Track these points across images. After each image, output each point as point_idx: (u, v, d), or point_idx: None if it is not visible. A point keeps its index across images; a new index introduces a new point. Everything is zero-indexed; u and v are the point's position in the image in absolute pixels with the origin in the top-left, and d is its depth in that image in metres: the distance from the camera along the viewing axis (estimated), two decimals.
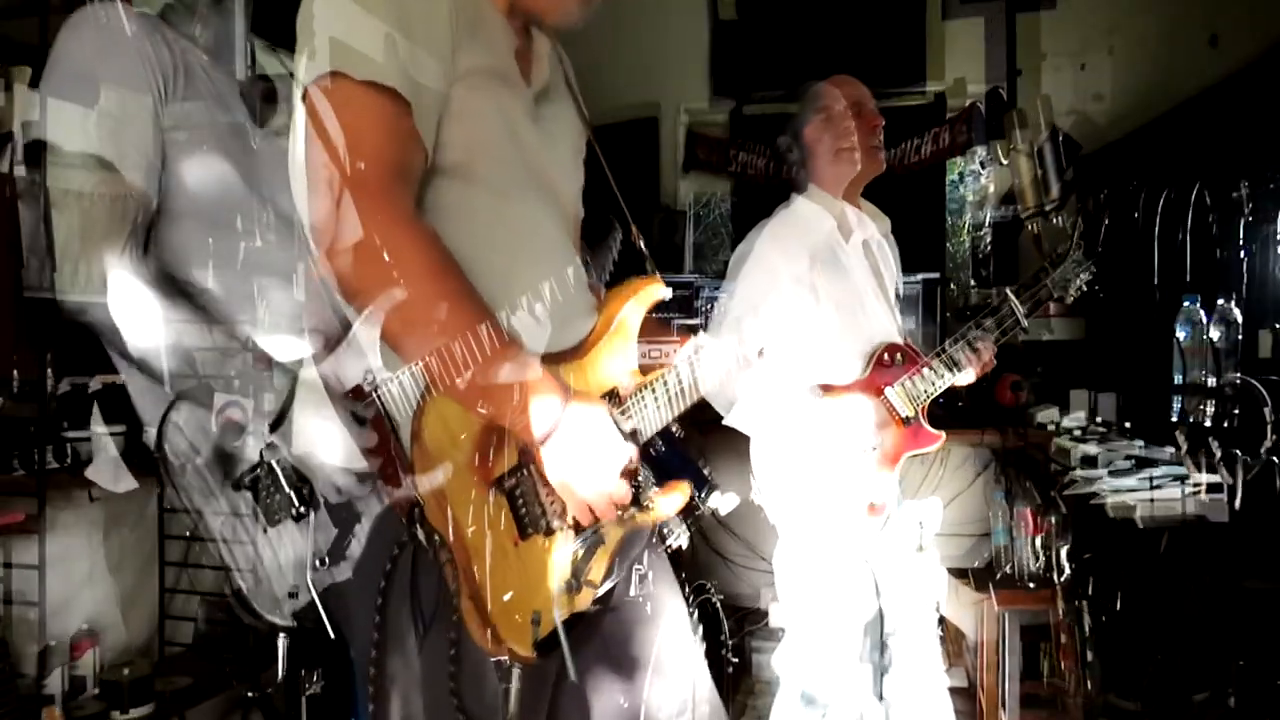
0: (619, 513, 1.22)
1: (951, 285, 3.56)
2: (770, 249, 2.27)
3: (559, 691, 1.29)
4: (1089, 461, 2.42)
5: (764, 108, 4.14)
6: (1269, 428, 1.85)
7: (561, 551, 1.23)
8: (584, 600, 1.25)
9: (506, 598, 1.16)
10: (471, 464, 1.15)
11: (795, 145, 2.36)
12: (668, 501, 1.28)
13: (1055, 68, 3.79)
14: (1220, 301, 2.12)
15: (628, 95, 4.19)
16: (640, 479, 1.23)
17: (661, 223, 4.11)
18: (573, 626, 1.22)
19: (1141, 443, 2.54)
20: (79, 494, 2.56)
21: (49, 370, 2.50)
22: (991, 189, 3.94)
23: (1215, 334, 2.09)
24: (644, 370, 1.33)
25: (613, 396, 1.28)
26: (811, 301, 2.23)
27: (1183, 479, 2.09)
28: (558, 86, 1.37)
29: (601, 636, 1.33)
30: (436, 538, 1.12)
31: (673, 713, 1.36)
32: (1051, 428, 3.06)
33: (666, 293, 1.34)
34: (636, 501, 1.23)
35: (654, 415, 1.30)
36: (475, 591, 1.14)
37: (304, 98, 1.11)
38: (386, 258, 1.07)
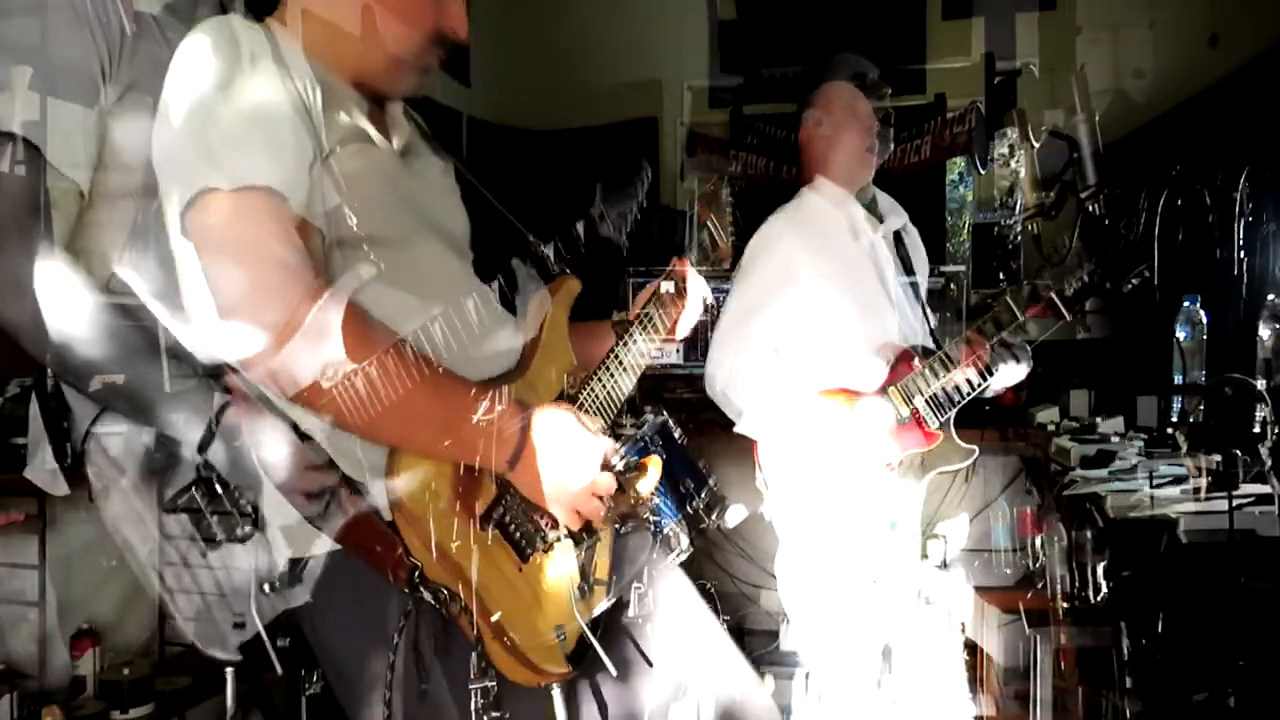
0: (607, 505, 1.22)
1: (951, 285, 3.56)
2: (785, 241, 2.23)
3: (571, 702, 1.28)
4: (1125, 470, 2.35)
5: (763, 107, 4.13)
6: (1270, 427, 1.85)
7: (564, 560, 1.23)
8: (599, 601, 1.27)
9: (512, 622, 1.15)
10: (455, 509, 1.14)
11: (818, 130, 2.32)
12: (644, 483, 1.30)
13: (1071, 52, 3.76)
14: (1270, 297, 2.05)
15: (628, 96, 4.17)
16: (617, 463, 1.23)
17: (661, 223, 4.10)
18: (595, 630, 1.23)
19: (1141, 445, 2.52)
20: (79, 494, 2.55)
21: (48, 370, 2.49)
22: (1023, 173, 3.91)
23: (1265, 333, 2.03)
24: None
25: (564, 397, 1.31)
26: (824, 297, 2.19)
27: (1187, 480, 2.04)
28: (417, 143, 1.37)
29: (618, 641, 1.32)
30: (444, 593, 1.11)
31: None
32: (1051, 428, 3.05)
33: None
34: (620, 489, 1.24)
35: (608, 398, 1.36)
36: (498, 631, 1.13)
37: (182, 229, 1.07)
38: (315, 350, 1.04)
